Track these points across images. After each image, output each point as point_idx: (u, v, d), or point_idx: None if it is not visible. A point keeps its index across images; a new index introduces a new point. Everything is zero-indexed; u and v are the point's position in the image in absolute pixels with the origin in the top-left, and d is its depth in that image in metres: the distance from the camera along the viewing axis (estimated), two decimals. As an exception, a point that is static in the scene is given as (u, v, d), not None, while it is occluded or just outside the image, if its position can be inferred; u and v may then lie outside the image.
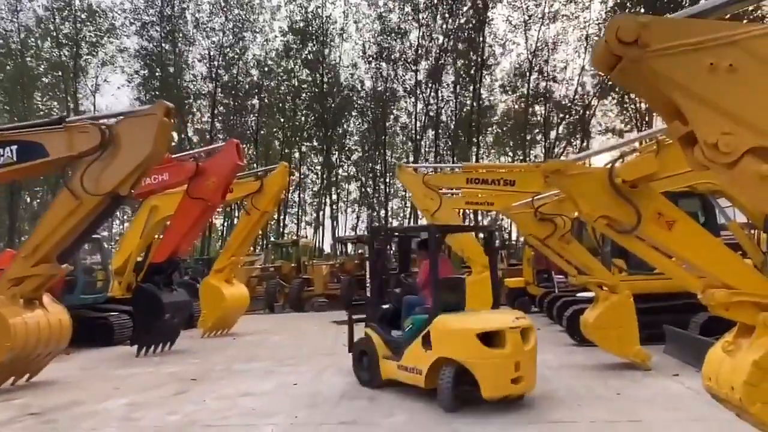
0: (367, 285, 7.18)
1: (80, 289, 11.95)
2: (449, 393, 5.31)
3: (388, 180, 36.32)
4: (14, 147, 7.44)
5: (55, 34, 31.24)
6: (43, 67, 32.01)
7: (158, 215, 12.35)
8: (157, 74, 32.02)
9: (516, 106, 35.78)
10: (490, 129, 36.95)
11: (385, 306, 7.02)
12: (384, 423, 5.18)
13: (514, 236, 35.20)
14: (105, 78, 38.05)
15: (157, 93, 30.66)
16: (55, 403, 6.40)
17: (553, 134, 34.76)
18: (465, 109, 34.76)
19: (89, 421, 5.58)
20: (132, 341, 10.04)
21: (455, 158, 31.89)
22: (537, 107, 34.95)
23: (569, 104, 34.11)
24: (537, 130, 35.49)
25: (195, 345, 10.90)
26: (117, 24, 32.61)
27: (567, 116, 34.50)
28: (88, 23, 32.00)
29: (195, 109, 34.45)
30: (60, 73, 31.55)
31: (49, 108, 30.75)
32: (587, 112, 33.81)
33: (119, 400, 6.43)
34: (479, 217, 33.99)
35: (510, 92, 35.31)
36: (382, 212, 37.80)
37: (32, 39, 31.66)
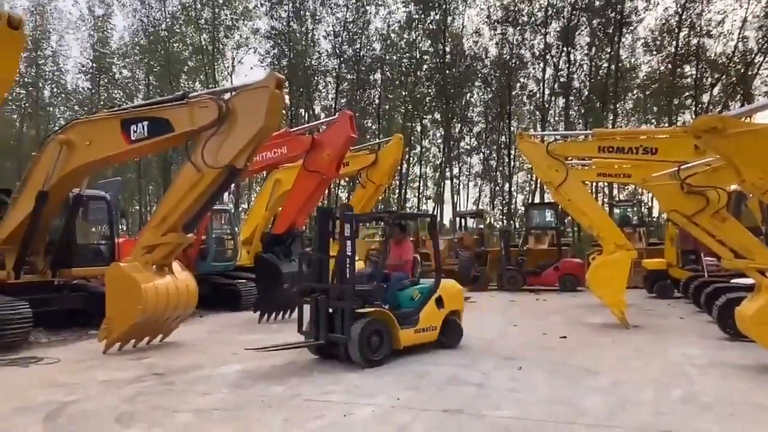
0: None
1: (211, 257, 12.81)
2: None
3: (512, 152, 34.73)
4: (146, 123, 7.88)
5: (196, 19, 33.76)
6: (187, 51, 34.83)
7: (281, 188, 12.74)
8: (285, 53, 33.32)
9: (661, 68, 32.05)
10: (629, 94, 33.59)
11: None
12: (490, 416, 4.71)
13: (655, 212, 32.02)
14: (240, 60, 40.41)
15: (286, 71, 31.95)
16: (178, 365, 6.78)
17: (705, 98, 30.69)
18: (601, 73, 31.88)
19: (202, 386, 5.79)
20: (254, 308, 10.50)
21: (588, 127, 29.42)
22: (686, 68, 31.00)
23: (726, 63, 29.80)
24: (686, 94, 31.54)
25: (312, 315, 11.16)
26: (250, 6, 34.38)
27: (723, 77, 30.21)
28: (225, 7, 34.06)
29: (321, 86, 35.43)
30: (201, 57, 34.12)
31: (193, 90, 33.52)
32: (749, 71, 29.31)
33: (234, 366, 6.65)
34: (614, 192, 31.32)
35: (654, 52, 31.69)
36: (506, 186, 36.33)
37: (177, 26, 34.51)
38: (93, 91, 36.47)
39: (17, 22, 4.38)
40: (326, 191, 30.43)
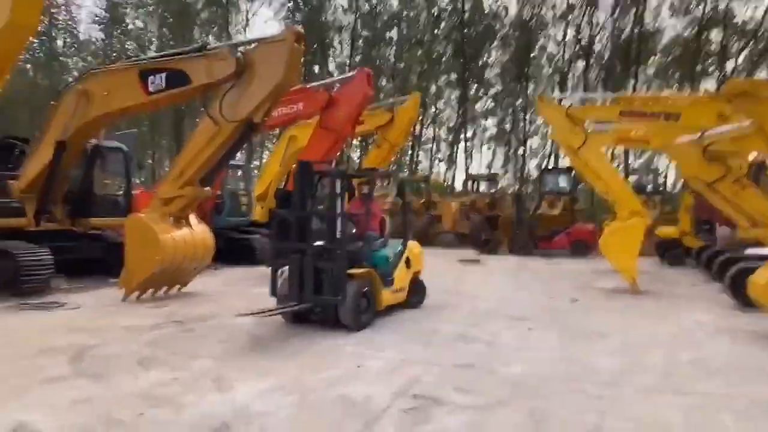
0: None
1: (227, 211, 12.94)
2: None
3: (528, 116, 34.20)
4: (163, 74, 7.83)
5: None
6: (200, 2, 34.20)
7: (296, 145, 12.70)
8: (300, 7, 32.63)
9: (686, 32, 31.06)
10: (652, 59, 32.70)
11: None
12: (501, 371, 4.83)
13: (670, 180, 31.62)
14: (254, 12, 39.67)
15: (300, 26, 31.37)
16: (196, 313, 6.96)
17: (730, 65, 29.83)
18: (623, 36, 30.98)
19: (221, 333, 5.96)
20: (268, 263, 10.64)
21: (613, 93, 28.81)
22: (713, 32, 30.02)
23: (756, 28, 28.79)
24: (710, 60, 30.66)
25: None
26: (265, -43, 33.52)
27: (751, 43, 29.24)
28: (239, -44, 33.27)
29: (336, 43, 34.79)
30: (215, 8, 33.53)
31: (207, 43, 33.05)
32: (779, 38, 28.34)
33: (249, 317, 6.80)
34: (630, 158, 30.92)
35: (681, 15, 30.65)
36: (520, 150, 35.93)
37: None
38: (106, 42, 36.08)
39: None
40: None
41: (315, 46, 32.29)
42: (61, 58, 36.31)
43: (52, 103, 9.06)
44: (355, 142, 32.65)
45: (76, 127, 8.37)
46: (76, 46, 37.05)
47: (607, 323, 6.91)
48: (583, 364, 5.10)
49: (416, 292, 7.60)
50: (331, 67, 34.39)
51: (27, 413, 3.66)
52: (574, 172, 15.73)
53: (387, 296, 6.76)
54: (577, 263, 13.93)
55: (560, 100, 11.47)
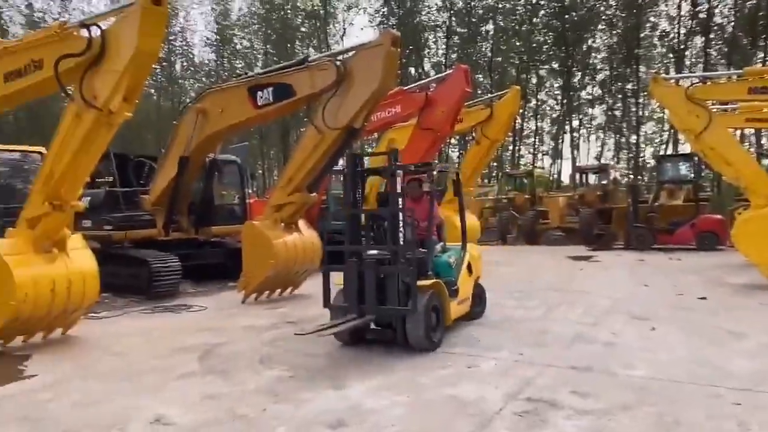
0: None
1: (332, 216, 13.36)
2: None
3: (641, 100, 31.95)
4: (270, 89, 8.28)
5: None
6: (300, 17, 35.88)
7: (395, 147, 12.86)
8: (394, 11, 33.04)
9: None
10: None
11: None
12: (622, 374, 4.53)
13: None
14: (350, 21, 40.88)
15: (395, 29, 31.78)
16: (309, 314, 7.25)
17: None
18: (749, 5, 27.95)
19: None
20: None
21: (732, 68, 26.16)
22: None
23: None
24: None
25: (429, 271, 11.31)
26: (360, -34, 34.41)
27: None
28: (335, -31, 34.48)
29: (431, 42, 34.83)
30: (314, 21, 35.01)
31: (308, 55, 34.63)
32: None
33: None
34: (763, 140, 27.78)
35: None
36: (633, 138, 33.66)
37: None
38: (218, 62, 38.97)
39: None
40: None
41: (410, 47, 32.57)
42: (179, 80, 39.73)
43: (174, 122, 9.91)
44: (453, 140, 32.45)
45: (196, 143, 9.08)
46: (192, 69, 40.36)
47: (741, 322, 6.25)
48: (716, 366, 4.65)
49: (478, 301, 6.74)
50: (427, 67, 34.50)
51: (164, 407, 4.01)
52: (696, 158, 14.43)
53: (454, 309, 5.86)
54: (703, 257, 12.77)
55: (677, 81, 10.58)
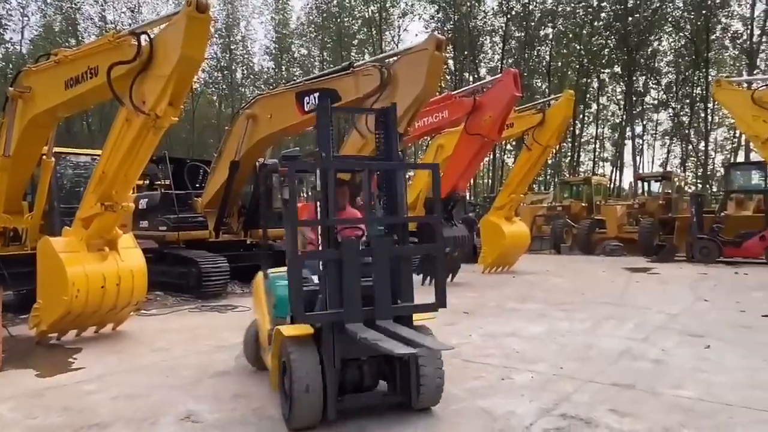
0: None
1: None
2: None
3: (710, 106, 30.27)
4: (316, 94, 8.40)
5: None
6: (356, 25, 36.38)
7: (444, 153, 12.74)
8: (450, 16, 32.90)
9: None
10: None
11: None
12: (667, 394, 4.24)
13: None
14: (405, 27, 41.10)
15: (450, 35, 31.63)
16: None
17: None
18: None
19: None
20: (417, 271, 10.78)
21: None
22: None
23: None
24: None
25: (474, 279, 11.12)
26: (415, -27, 34.51)
27: None
28: (391, -24, 34.75)
29: (487, 48, 34.45)
30: (369, 29, 35.39)
31: (351, 61, 35.09)
32: None
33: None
34: None
35: None
36: (701, 145, 31.94)
37: (347, 0, 36.10)
38: (276, 70, 40.08)
39: (204, 7, 4.92)
40: (491, 156, 29.86)
41: (465, 53, 32.33)
42: (240, 88, 41.12)
43: (226, 128, 10.23)
44: (509, 146, 31.87)
45: (246, 148, 9.33)
46: (252, 76, 41.70)
47: (812, 344, 5.74)
48: (776, 391, 4.28)
49: None
50: (483, 72, 34.10)
51: (196, 403, 4.10)
52: (768, 166, 13.53)
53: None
54: (774, 272, 11.89)
55: (749, 84, 9.95)
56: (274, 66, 40.45)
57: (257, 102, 9.43)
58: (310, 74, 36.45)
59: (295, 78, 36.36)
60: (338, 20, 35.43)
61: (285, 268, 4.27)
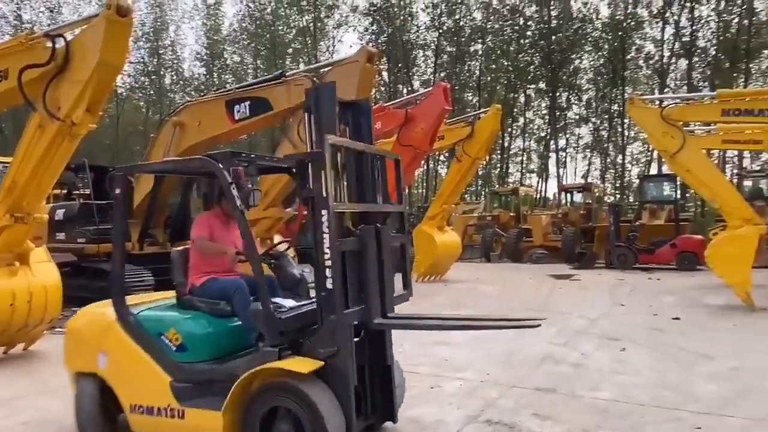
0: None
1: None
2: None
3: (626, 121, 32.28)
4: (247, 103, 8.27)
5: (299, 1, 34.77)
6: (291, 34, 36.13)
7: (377, 163, 12.85)
8: (384, 29, 33.35)
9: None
10: (765, 51, 29.81)
11: None
12: (587, 396, 4.46)
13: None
14: (340, 38, 41.30)
15: (384, 47, 32.05)
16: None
17: None
18: (731, 30, 28.54)
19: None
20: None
21: (716, 90, 26.58)
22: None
23: None
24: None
25: (408, 289, 11.22)
26: (350, -16, 34.76)
27: None
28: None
29: (420, 61, 35.14)
30: (304, 38, 35.25)
31: (283, 70, 34.86)
32: None
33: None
34: (745, 162, 28.19)
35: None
36: (619, 158, 34.00)
37: (282, 8, 35.82)
38: (207, 76, 39.02)
39: (125, 10, 4.73)
40: (425, 166, 30.44)
41: (399, 65, 32.85)
42: (169, 93, 39.70)
43: (151, 135, 9.85)
44: (442, 157, 32.58)
45: (173, 156, 9.00)
46: (181, 82, 40.37)
47: (713, 344, 6.22)
48: (683, 390, 4.60)
49: None
50: (416, 85, 34.72)
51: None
52: (678, 178, 14.57)
53: None
54: (683, 278, 12.79)
55: (660, 102, 10.70)
56: (205, 72, 39.39)
57: (185, 109, 9.15)
58: (243, 82, 35.91)
59: (227, 85, 35.65)
60: (272, 29, 35.05)
61: (156, 297, 3.98)
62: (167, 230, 10.23)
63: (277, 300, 3.40)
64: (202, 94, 35.41)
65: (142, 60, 37.46)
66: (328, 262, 3.06)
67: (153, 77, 38.52)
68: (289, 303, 3.42)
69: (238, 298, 3.47)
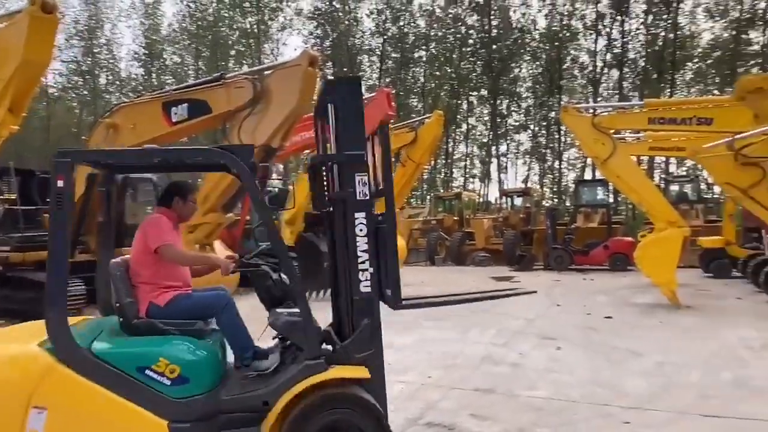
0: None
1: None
2: None
3: (562, 128, 33.55)
4: (185, 105, 8.05)
5: (241, 3, 34.16)
6: (234, 36, 35.39)
7: (321, 169, 12.76)
8: (328, 33, 33.28)
9: (725, 34, 30.10)
10: (689, 64, 31.77)
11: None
12: (523, 396, 4.59)
13: (717, 189, 30.36)
14: (284, 42, 40.83)
15: (329, 52, 31.98)
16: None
17: (773, 65, 28.68)
18: (658, 42, 30.27)
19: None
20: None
21: (643, 100, 28.09)
22: (753, 34, 29.00)
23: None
24: (751, 62, 29.54)
25: (352, 293, 11.20)
26: (294, -13, 34.50)
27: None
28: (269, -11, 34.34)
29: (365, 66, 35.24)
30: (247, 40, 34.63)
31: (222, 72, 34.18)
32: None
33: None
34: (671, 168, 29.92)
35: (717, 18, 29.77)
36: (556, 163, 35.27)
37: (225, 10, 35.07)
38: (145, 77, 37.65)
39: (51, 7, 4.49)
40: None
41: (344, 70, 32.83)
42: (104, 95, 38.02)
43: (83, 138, 9.40)
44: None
45: (105, 160, 8.62)
46: (117, 82, 38.76)
47: (642, 341, 6.55)
48: (613, 386, 4.82)
49: None
50: (363, 89, 34.77)
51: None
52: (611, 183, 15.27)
53: None
54: (615, 278, 13.41)
55: (593, 111, 11.20)
56: (143, 73, 37.96)
57: (119, 110, 8.79)
58: (184, 83, 34.88)
59: (166, 86, 34.54)
60: (214, 30, 34.23)
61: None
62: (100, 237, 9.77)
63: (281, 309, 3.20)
64: (139, 95, 34.20)
65: (75, 59, 35.75)
66: (364, 265, 2.95)
67: (87, 77, 36.83)
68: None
69: (228, 315, 3.09)
